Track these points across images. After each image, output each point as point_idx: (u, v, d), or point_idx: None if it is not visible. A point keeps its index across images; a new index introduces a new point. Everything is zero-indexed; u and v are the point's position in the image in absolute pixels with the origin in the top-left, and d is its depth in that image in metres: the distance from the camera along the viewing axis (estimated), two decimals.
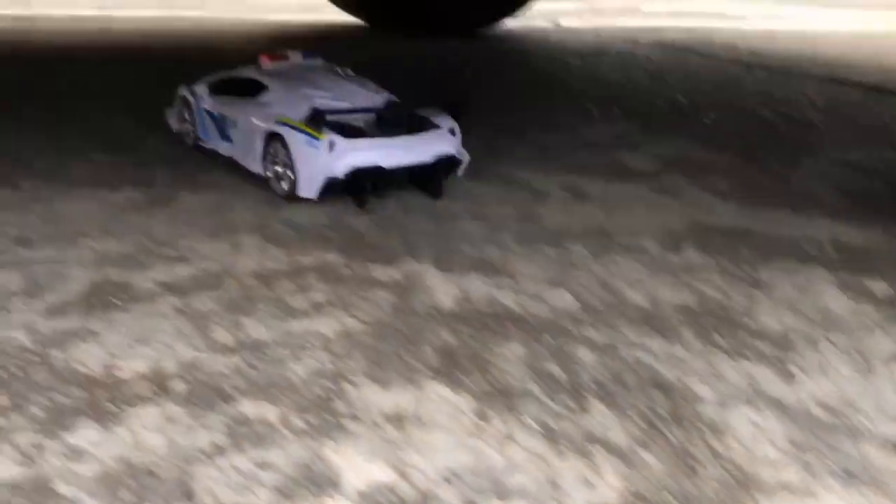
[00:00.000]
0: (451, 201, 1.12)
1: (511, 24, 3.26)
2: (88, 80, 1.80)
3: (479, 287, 0.85)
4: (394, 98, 1.20)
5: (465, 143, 1.18)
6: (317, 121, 1.07)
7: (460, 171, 1.16)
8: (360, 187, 1.06)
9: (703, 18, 4.11)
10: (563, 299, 0.83)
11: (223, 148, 1.23)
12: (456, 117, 1.15)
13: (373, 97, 1.20)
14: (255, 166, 1.14)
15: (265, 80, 1.23)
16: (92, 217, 0.99)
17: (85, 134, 1.35)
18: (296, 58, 1.32)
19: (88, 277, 0.82)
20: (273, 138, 1.11)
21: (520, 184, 1.22)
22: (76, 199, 1.05)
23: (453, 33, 2.97)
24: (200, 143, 1.28)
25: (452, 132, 1.14)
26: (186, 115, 1.30)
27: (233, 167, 1.19)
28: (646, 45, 3.14)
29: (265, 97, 1.21)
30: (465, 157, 1.16)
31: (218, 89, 1.28)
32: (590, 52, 2.82)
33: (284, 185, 1.09)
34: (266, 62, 1.29)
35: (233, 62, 1.34)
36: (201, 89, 1.29)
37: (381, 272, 0.87)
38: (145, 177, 1.15)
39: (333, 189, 1.05)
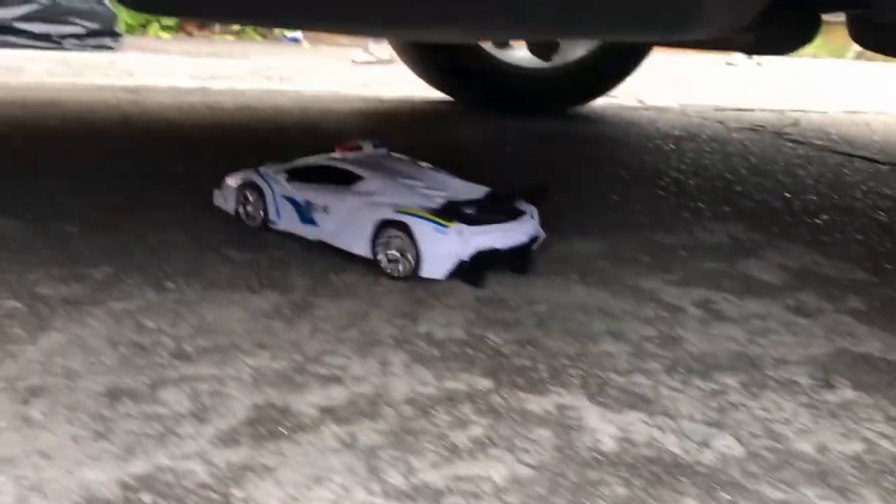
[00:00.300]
0: (586, 316, 1.11)
1: (599, 102, 3.29)
2: (194, 159, 1.86)
3: (639, 427, 0.83)
4: (491, 190, 1.34)
5: (581, 240, 1.22)
6: (450, 211, 1.22)
7: (535, 246, 1.32)
8: (479, 268, 1.21)
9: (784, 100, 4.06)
10: (728, 445, 0.81)
11: (306, 231, 1.33)
12: (536, 203, 1.34)
13: (472, 188, 1.34)
14: (360, 249, 1.24)
15: (356, 170, 1.33)
16: (241, 326, 1.00)
17: (213, 222, 1.39)
18: (367, 147, 1.45)
19: (251, 400, 0.83)
20: (387, 225, 1.21)
21: (650, 296, 1.20)
22: (221, 304, 1.07)
23: (542, 112, 3.00)
24: (270, 226, 1.36)
25: (532, 216, 1.32)
26: (250, 198, 1.39)
27: (337, 259, 1.21)
28: (735, 127, 3.13)
29: (363, 186, 1.30)
30: (542, 235, 1.34)
31: (296, 176, 1.37)
32: (681, 134, 2.81)
33: (400, 268, 1.21)
34: (343, 152, 1.43)
35: (310, 143, 1.42)
36: (278, 176, 1.38)
37: (534, 404, 0.86)
38: (281, 278, 1.17)
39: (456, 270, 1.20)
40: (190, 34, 6.33)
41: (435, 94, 3.20)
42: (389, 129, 2.56)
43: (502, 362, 0.96)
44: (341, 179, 1.33)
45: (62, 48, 4.36)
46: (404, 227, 1.19)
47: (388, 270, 1.21)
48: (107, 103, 2.61)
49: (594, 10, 0.97)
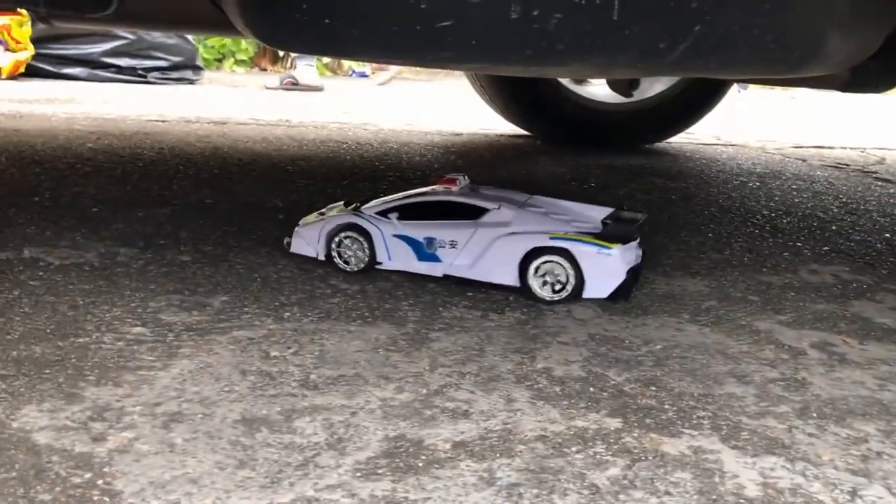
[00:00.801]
0: (705, 357, 1.09)
1: (676, 138, 3.26)
2: (288, 191, 1.89)
3: (781, 473, 0.80)
4: (615, 209, 1.40)
5: (686, 278, 1.29)
6: (610, 234, 1.31)
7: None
8: (630, 284, 1.30)
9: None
10: (880, 496, 0.77)
11: (424, 268, 1.32)
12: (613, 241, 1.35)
13: (592, 209, 1.40)
14: (503, 279, 1.28)
15: (478, 203, 1.34)
16: (361, 357, 1.01)
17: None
18: (462, 181, 1.43)
19: (384, 432, 0.83)
20: (539, 253, 1.27)
21: (766, 338, 1.17)
22: (339, 334, 1.08)
23: (620, 148, 2.99)
24: (378, 267, 1.34)
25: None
26: (352, 242, 1.33)
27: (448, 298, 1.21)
28: (818, 164, 3.06)
29: (494, 217, 1.32)
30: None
31: (406, 214, 1.36)
32: (764, 172, 2.77)
33: (560, 292, 1.27)
34: (444, 185, 1.40)
35: (395, 176, 1.39)
36: (391, 216, 1.34)
37: (668, 445, 0.84)
38: (391, 310, 1.18)
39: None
40: (264, 69, 6.50)
41: (507, 129, 3.22)
42: (469, 162, 2.58)
43: (627, 402, 0.94)
44: (460, 214, 1.33)
45: (146, 81, 4.52)
46: (564, 253, 1.26)
47: (543, 296, 1.27)
48: (196, 135, 2.69)
49: (723, 48, 0.96)
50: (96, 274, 1.25)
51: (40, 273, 1.23)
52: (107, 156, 2.23)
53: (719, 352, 1.11)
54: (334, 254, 1.34)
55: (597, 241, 1.27)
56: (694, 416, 0.92)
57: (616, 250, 1.27)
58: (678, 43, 0.90)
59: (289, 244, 1.40)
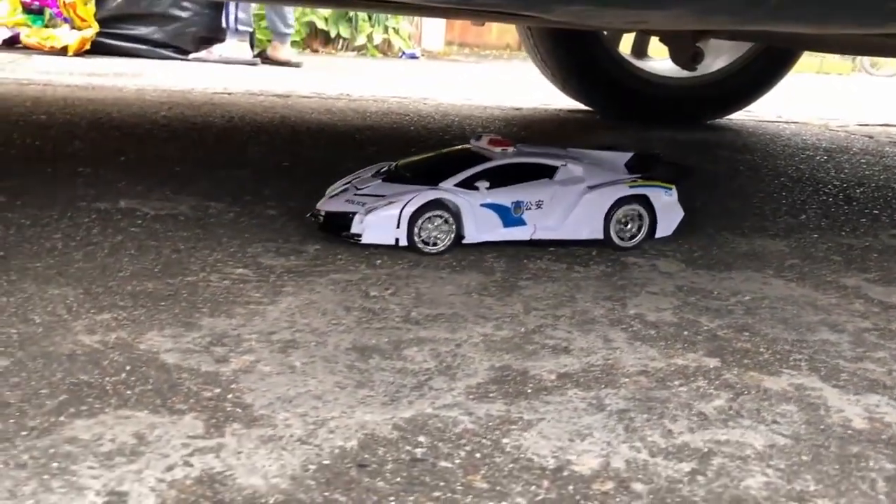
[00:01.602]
0: (794, 308, 1.09)
1: (736, 116, 3.23)
2: (358, 157, 1.93)
3: (886, 410, 0.81)
4: (635, 152, 1.46)
5: (765, 238, 1.30)
6: (665, 175, 1.37)
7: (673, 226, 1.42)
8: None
9: None
10: None
11: (511, 234, 1.28)
12: (678, 183, 1.40)
13: (617, 155, 1.44)
14: (589, 233, 1.30)
15: (546, 161, 1.33)
16: (456, 300, 1.04)
17: None
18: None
19: (489, 362, 0.86)
20: (621, 203, 1.31)
21: (854, 292, 1.17)
22: (431, 279, 1.10)
23: (681, 123, 2.97)
24: (464, 242, 1.24)
25: (670, 195, 1.40)
26: (436, 220, 1.22)
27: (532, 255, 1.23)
28: (886, 141, 3.01)
29: (566, 174, 1.33)
30: (682, 214, 1.42)
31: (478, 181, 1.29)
32: (830, 147, 2.73)
33: (638, 236, 1.33)
34: (501, 147, 1.34)
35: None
36: (479, 184, 1.26)
37: (770, 382, 0.86)
38: (477, 261, 1.20)
39: None
40: (316, 51, 6.56)
41: (566, 104, 3.21)
42: (532, 134, 2.58)
43: (722, 345, 0.95)
44: (532, 174, 1.31)
45: (203, 59, 4.59)
46: (642, 199, 1.32)
47: (620, 242, 1.31)
48: (262, 106, 2.74)
49: (821, 1, 0.96)
50: (191, 223, 1.29)
51: (139, 221, 1.28)
52: (180, 123, 2.29)
53: (808, 304, 1.12)
54: (418, 237, 1.21)
55: (662, 184, 1.35)
56: (791, 359, 0.93)
57: (674, 190, 1.36)
58: None
59: (316, 218, 1.26)
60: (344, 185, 1.32)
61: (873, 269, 1.30)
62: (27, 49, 4.35)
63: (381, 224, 1.20)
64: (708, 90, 3.03)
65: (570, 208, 1.29)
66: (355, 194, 1.26)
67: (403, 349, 0.87)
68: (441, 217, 1.22)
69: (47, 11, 4.64)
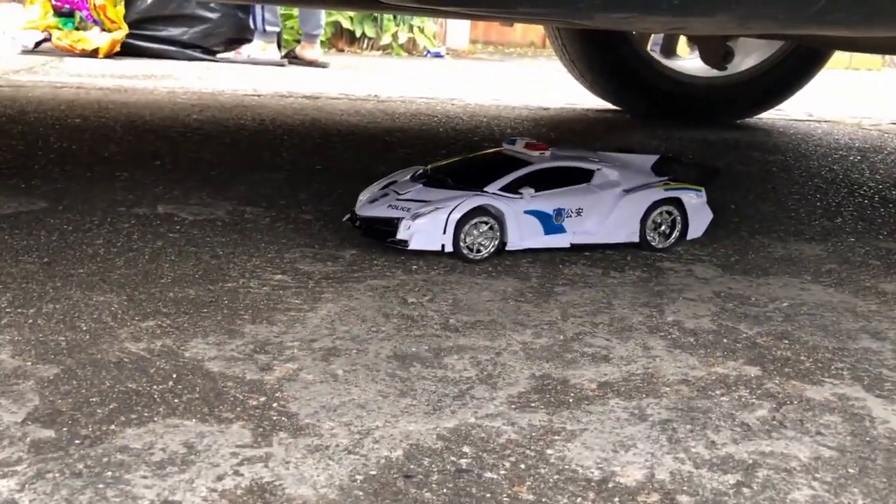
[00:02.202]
0: (834, 314, 1.08)
1: (767, 115, 3.20)
2: (389, 160, 1.93)
3: None
4: (661, 154, 1.47)
5: (801, 242, 1.28)
6: (695, 178, 1.40)
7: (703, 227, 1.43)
8: None
9: None
10: None
11: (552, 242, 1.27)
12: (706, 185, 1.41)
13: (643, 158, 1.44)
14: (625, 237, 1.31)
15: (584, 165, 1.33)
16: (494, 306, 1.04)
17: None
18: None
19: (529, 370, 0.86)
20: (656, 205, 1.32)
21: (895, 298, 1.16)
22: (467, 285, 1.11)
23: (711, 123, 2.95)
24: (507, 250, 1.24)
25: (700, 196, 1.41)
26: (480, 227, 1.21)
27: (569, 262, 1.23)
28: None
29: (603, 178, 1.33)
30: (711, 216, 1.43)
31: (519, 187, 1.29)
32: (864, 146, 2.69)
33: (663, 242, 1.34)
34: (539, 151, 1.33)
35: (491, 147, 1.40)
36: (524, 191, 1.25)
37: (812, 392, 0.85)
38: (513, 266, 1.20)
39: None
40: (341, 50, 6.58)
41: (594, 104, 3.20)
42: (561, 134, 2.58)
43: (763, 353, 0.95)
44: (569, 179, 1.31)
45: (231, 60, 4.63)
46: (676, 202, 1.33)
47: (656, 244, 1.33)
48: (292, 108, 2.76)
49: (867, 4, 0.95)
50: (229, 228, 1.31)
51: (177, 227, 1.30)
52: (213, 126, 2.31)
53: (848, 310, 1.11)
54: (463, 243, 1.19)
55: (693, 187, 1.37)
56: (832, 367, 0.92)
57: (703, 192, 1.38)
58: None
59: (354, 222, 1.27)
60: (382, 189, 1.32)
61: None
62: (60, 51, 4.41)
63: (427, 230, 1.19)
64: (738, 89, 3.00)
65: (608, 212, 1.29)
66: (398, 199, 1.25)
67: (444, 357, 0.88)
68: (486, 223, 1.21)
69: (77, 14, 4.70)
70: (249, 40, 4.74)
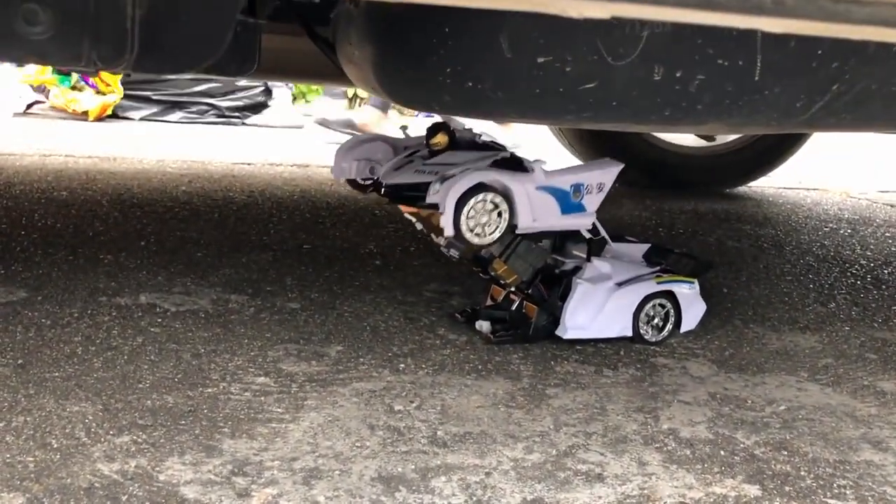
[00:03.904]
0: (833, 420, 1.05)
1: (757, 182, 3.21)
2: (381, 236, 1.92)
3: None
4: (652, 244, 1.42)
5: (795, 333, 1.23)
6: (687, 268, 1.35)
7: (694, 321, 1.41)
8: None
9: None
10: None
11: (574, 221, 1.23)
12: (699, 277, 1.36)
13: (633, 246, 1.41)
14: (619, 330, 1.27)
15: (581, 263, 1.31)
16: (483, 413, 1.01)
17: (419, 300, 1.41)
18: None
19: (521, 494, 0.82)
20: (648, 298, 1.27)
21: (894, 400, 1.13)
22: (457, 388, 1.08)
23: (699, 192, 2.96)
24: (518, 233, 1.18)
25: (693, 288, 1.37)
26: (485, 205, 1.11)
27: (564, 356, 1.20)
28: None
29: (591, 273, 1.28)
30: (704, 308, 1.40)
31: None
32: (853, 218, 2.70)
33: (656, 335, 1.30)
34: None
35: None
36: (534, 164, 1.18)
37: None
38: (503, 363, 1.17)
39: None
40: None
41: None
42: None
43: (761, 467, 0.92)
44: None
45: (228, 122, 4.65)
46: (669, 295, 1.29)
47: (649, 337, 1.29)
48: (282, 178, 2.75)
49: (857, 106, 0.95)
50: (212, 321, 1.27)
51: (159, 320, 1.27)
52: (201, 199, 2.29)
53: (847, 414, 1.08)
54: (465, 226, 1.09)
55: (685, 279, 1.33)
56: (835, 485, 0.89)
57: (696, 284, 1.34)
58: (814, 102, 0.89)
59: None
60: (406, 157, 1.24)
61: None
62: (53, 111, 4.42)
63: (451, 208, 1.08)
64: (727, 158, 3.01)
65: (601, 306, 1.27)
66: (424, 164, 1.18)
67: (431, 479, 0.84)
68: (489, 202, 1.12)
69: (74, 74, 4.73)
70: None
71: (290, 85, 5.08)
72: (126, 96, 4.53)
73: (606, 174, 1.26)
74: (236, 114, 4.74)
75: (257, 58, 0.93)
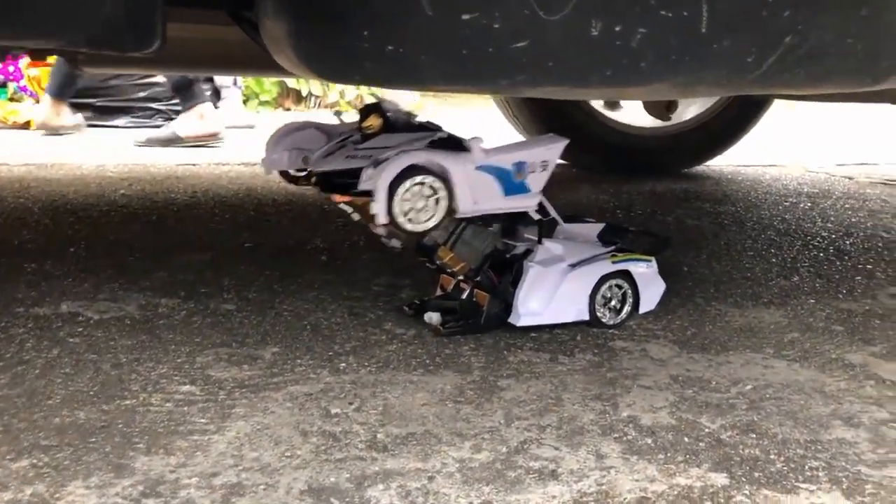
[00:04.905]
0: (802, 397, 0.99)
1: (714, 161, 3.17)
2: (329, 231, 1.83)
3: None
4: (606, 223, 1.34)
5: (759, 308, 1.17)
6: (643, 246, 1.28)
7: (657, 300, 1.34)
8: None
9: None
10: None
11: (518, 202, 1.16)
12: (656, 255, 1.29)
13: (588, 226, 1.33)
14: (575, 314, 1.20)
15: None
16: (429, 411, 0.93)
17: (366, 295, 1.33)
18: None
19: (467, 499, 0.74)
20: (606, 278, 1.21)
21: (863, 372, 1.07)
22: (401, 385, 1.00)
23: (657, 173, 2.91)
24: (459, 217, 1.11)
25: (651, 266, 1.30)
26: (420, 189, 1.05)
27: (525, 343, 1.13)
28: (866, 182, 2.96)
29: (543, 256, 1.21)
30: (664, 287, 1.34)
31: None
32: (813, 192, 2.67)
33: (614, 318, 1.22)
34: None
35: None
36: (473, 142, 1.11)
37: None
38: (453, 356, 1.10)
39: None
40: (287, 109, 6.51)
41: None
42: None
43: (728, 453, 0.85)
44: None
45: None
46: (625, 275, 1.23)
47: (606, 321, 1.22)
48: (228, 177, 2.64)
49: (812, 60, 0.88)
50: (138, 328, 1.18)
51: (80, 329, 1.17)
52: (140, 202, 2.18)
53: (816, 390, 1.02)
54: (398, 209, 1.02)
55: (641, 257, 1.26)
56: (806, 467, 0.82)
57: (654, 261, 1.27)
58: (767, 56, 0.83)
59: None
60: (338, 142, 1.16)
61: (878, 340, 1.21)
62: None
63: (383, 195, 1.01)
64: (684, 138, 2.97)
65: (554, 290, 1.19)
66: (357, 149, 1.10)
67: (367, 488, 0.76)
68: (422, 185, 1.04)
69: (11, 85, 4.56)
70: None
71: (241, 85, 4.96)
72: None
73: (550, 151, 1.18)
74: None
75: (160, 34, 0.84)
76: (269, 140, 1.23)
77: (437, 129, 1.14)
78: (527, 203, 1.17)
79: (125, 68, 2.90)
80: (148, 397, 0.95)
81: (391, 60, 0.78)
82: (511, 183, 1.13)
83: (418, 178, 1.02)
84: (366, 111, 1.13)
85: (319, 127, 1.24)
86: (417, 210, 1.03)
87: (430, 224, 1.05)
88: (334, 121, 1.28)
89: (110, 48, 0.80)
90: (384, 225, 1.04)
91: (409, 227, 1.03)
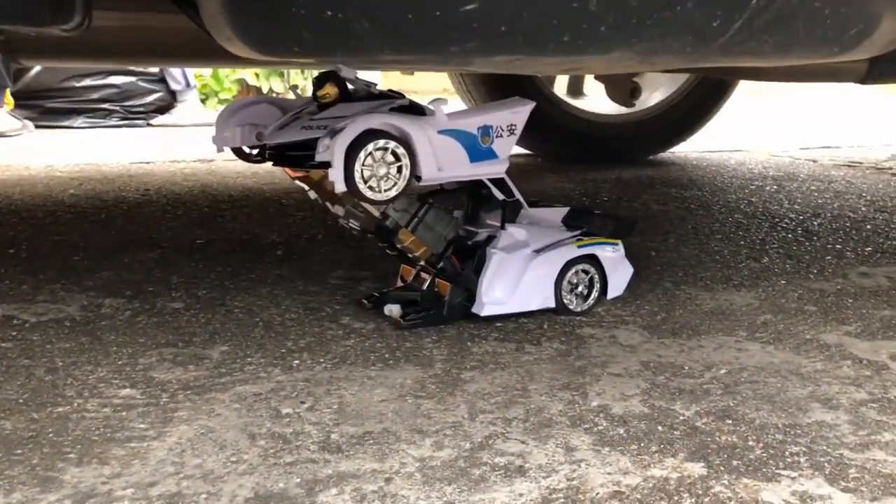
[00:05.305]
0: (778, 379, 0.95)
1: (680, 147, 3.16)
2: (284, 225, 1.76)
3: None
4: (571, 206, 1.30)
5: (730, 291, 1.10)
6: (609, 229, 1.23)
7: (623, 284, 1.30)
8: None
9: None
10: None
11: (482, 171, 1.11)
12: (622, 237, 1.25)
13: (552, 210, 1.29)
14: (540, 302, 1.16)
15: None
16: (388, 408, 0.87)
17: (322, 289, 1.27)
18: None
19: (426, 501, 0.69)
20: (571, 264, 1.17)
21: (839, 352, 1.04)
22: (359, 381, 0.94)
23: (623, 160, 2.88)
24: (422, 184, 1.05)
25: (617, 250, 1.26)
26: (384, 154, 0.99)
27: (483, 332, 1.07)
28: (830, 164, 2.96)
29: (506, 242, 1.16)
30: (632, 270, 1.31)
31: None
32: (778, 175, 2.65)
33: (581, 304, 1.18)
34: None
35: None
36: (435, 105, 1.06)
37: (769, 493, 0.70)
38: (414, 349, 1.04)
39: None
40: None
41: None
42: None
43: (705, 440, 0.80)
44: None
45: (131, 124, 4.39)
46: (591, 259, 1.19)
47: (573, 307, 1.18)
48: (183, 174, 2.56)
49: (779, 26, 0.84)
50: (78, 330, 1.10)
51: (13, 333, 1.09)
52: (89, 201, 2.09)
53: (792, 372, 0.98)
54: (360, 177, 0.96)
55: (608, 241, 1.22)
56: (787, 453, 0.78)
57: (620, 245, 1.23)
58: (733, 20, 0.78)
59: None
60: (293, 115, 1.09)
61: (852, 318, 1.17)
62: None
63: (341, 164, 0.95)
64: (648, 125, 2.94)
65: (518, 277, 1.14)
66: (311, 119, 1.03)
67: (319, 493, 0.70)
68: (385, 151, 0.98)
69: None
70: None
71: (195, 84, 4.84)
72: (19, 106, 4.24)
73: (517, 114, 1.12)
74: (142, 115, 4.49)
75: (80, 8, 0.77)
76: (219, 116, 1.16)
77: (400, 96, 1.07)
78: (494, 170, 1.11)
79: (63, 60, 2.78)
80: (83, 403, 0.87)
81: (331, 28, 0.72)
82: (477, 148, 1.07)
83: (381, 143, 0.96)
84: (321, 80, 1.06)
85: (273, 101, 1.16)
86: (378, 177, 0.97)
87: (392, 193, 0.99)
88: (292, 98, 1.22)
89: (26, 22, 0.74)
90: (343, 194, 0.98)
91: (369, 194, 0.97)
